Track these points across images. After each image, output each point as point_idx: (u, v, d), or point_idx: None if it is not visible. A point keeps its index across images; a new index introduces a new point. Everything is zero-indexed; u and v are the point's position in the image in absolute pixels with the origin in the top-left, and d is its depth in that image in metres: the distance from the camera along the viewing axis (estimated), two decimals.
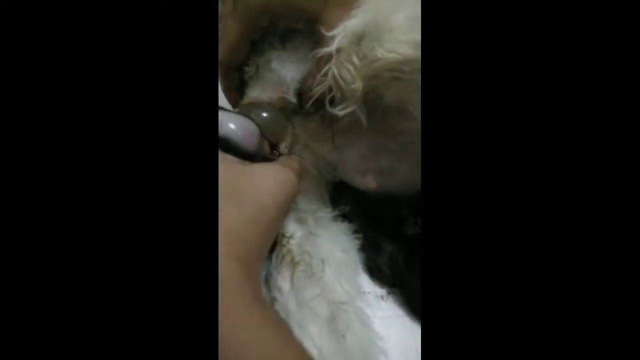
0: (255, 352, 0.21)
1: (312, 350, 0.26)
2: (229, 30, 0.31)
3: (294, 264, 0.30)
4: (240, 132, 0.30)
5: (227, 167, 0.28)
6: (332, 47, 0.26)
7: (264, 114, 0.33)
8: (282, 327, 0.23)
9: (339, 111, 0.28)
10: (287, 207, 0.29)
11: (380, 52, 0.24)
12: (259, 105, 0.34)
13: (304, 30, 0.30)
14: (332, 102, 0.28)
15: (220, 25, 0.33)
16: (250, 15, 0.30)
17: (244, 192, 0.26)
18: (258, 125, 0.31)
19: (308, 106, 0.31)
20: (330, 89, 0.28)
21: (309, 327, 0.27)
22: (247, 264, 0.24)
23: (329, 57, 0.27)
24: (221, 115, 0.30)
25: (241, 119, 0.31)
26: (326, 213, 0.35)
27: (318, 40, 0.28)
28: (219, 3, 0.34)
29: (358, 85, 0.26)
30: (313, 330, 0.27)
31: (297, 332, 0.27)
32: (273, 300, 0.29)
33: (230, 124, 0.30)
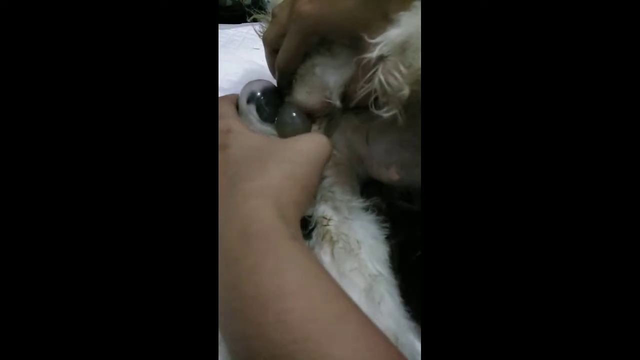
0: (294, 279, 0.24)
1: None
2: (286, 45, 0.36)
3: (333, 242, 0.33)
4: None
5: (267, 138, 0.33)
6: (374, 54, 0.29)
7: (294, 114, 0.38)
8: (317, 261, 0.27)
9: (384, 113, 0.31)
10: (321, 164, 0.33)
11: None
12: (292, 106, 0.39)
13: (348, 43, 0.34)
14: (375, 105, 0.32)
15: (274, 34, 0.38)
16: (303, 35, 0.34)
17: (282, 153, 0.31)
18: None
19: (352, 106, 0.35)
20: (373, 92, 0.31)
21: (350, 294, 0.30)
22: (281, 208, 0.28)
23: (372, 63, 0.30)
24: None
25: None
26: (358, 203, 0.38)
27: (361, 48, 0.31)
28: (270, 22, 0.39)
29: (406, 91, 0.29)
30: (353, 297, 0.30)
31: None
32: None
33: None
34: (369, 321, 0.25)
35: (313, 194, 0.33)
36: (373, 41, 0.30)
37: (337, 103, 0.35)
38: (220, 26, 0.64)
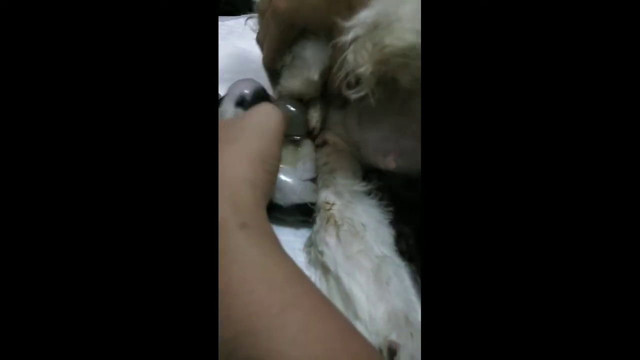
0: (238, 274, 0.24)
1: (361, 295, 0.29)
2: (268, 40, 0.38)
3: (337, 225, 0.33)
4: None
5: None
6: (348, 37, 0.30)
7: (290, 108, 0.38)
8: (270, 246, 0.26)
9: (352, 94, 0.31)
10: (273, 134, 0.33)
11: (388, 40, 0.28)
12: (286, 99, 0.39)
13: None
14: (350, 87, 0.32)
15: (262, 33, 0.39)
16: (280, 30, 0.36)
17: (231, 133, 0.32)
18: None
19: (333, 91, 0.36)
20: (347, 75, 0.31)
21: (357, 276, 0.30)
22: (233, 194, 0.28)
23: (346, 45, 0.30)
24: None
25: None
26: (360, 187, 0.38)
27: (336, 34, 0.32)
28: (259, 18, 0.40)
29: (367, 68, 0.29)
30: (361, 279, 0.30)
31: (346, 279, 0.30)
32: (321, 253, 0.32)
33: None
34: (322, 307, 0.24)
35: (272, 165, 0.32)
36: (347, 24, 0.30)
37: (316, 77, 0.36)
38: (221, 18, 0.64)
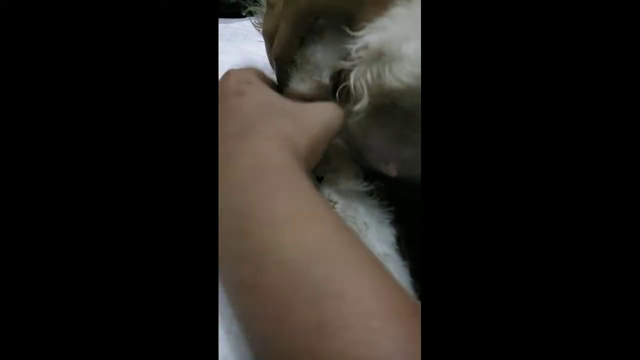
0: (309, 206, 0.24)
1: None
2: (281, 31, 0.37)
3: None
4: None
5: (283, 97, 0.34)
6: (354, 47, 0.30)
7: None
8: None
9: (350, 119, 0.33)
10: (331, 132, 0.33)
11: (387, 78, 0.28)
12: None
13: (340, 27, 0.34)
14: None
15: (272, 24, 0.38)
16: (297, 16, 0.35)
17: (297, 113, 0.32)
18: None
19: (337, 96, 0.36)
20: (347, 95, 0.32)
21: None
22: (297, 156, 0.28)
23: (351, 56, 0.31)
24: None
25: None
26: (363, 187, 0.38)
27: (355, 21, 0.32)
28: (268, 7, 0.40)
29: (364, 101, 0.30)
30: None
31: None
32: None
33: None
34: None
35: (318, 158, 0.33)
36: (355, 34, 0.30)
37: (326, 81, 0.36)
38: (225, 20, 0.65)
